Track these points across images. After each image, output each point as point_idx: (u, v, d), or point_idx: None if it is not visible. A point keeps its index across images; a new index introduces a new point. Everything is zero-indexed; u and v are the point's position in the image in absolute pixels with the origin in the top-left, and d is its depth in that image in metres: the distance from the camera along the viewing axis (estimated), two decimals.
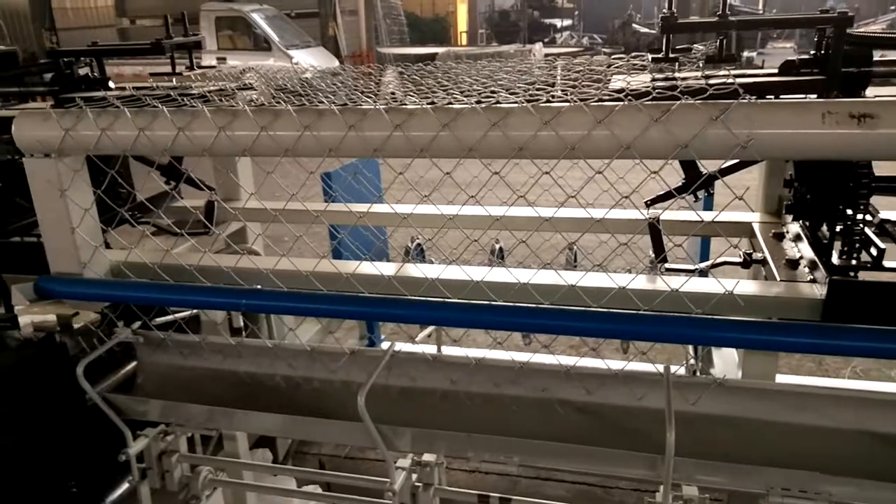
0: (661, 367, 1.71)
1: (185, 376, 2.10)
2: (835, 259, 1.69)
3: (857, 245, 1.66)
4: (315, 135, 1.67)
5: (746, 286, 1.74)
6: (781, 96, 1.66)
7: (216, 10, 15.63)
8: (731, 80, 1.55)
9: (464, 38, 24.16)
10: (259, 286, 1.91)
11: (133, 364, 2.13)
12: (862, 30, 1.77)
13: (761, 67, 2.02)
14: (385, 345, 3.19)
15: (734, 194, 1.55)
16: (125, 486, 2.02)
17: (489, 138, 1.55)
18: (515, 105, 1.56)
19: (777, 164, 2.25)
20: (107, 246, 2.19)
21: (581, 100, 1.53)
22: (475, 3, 25.50)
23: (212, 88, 2.21)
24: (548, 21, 28.34)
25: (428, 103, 1.65)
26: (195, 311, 2.29)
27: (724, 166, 1.70)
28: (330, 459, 3.53)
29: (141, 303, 2.03)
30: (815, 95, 1.64)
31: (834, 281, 1.62)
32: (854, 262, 1.66)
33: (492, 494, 1.85)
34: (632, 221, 2.23)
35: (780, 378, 1.99)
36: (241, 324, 2.53)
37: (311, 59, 13.32)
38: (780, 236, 2.12)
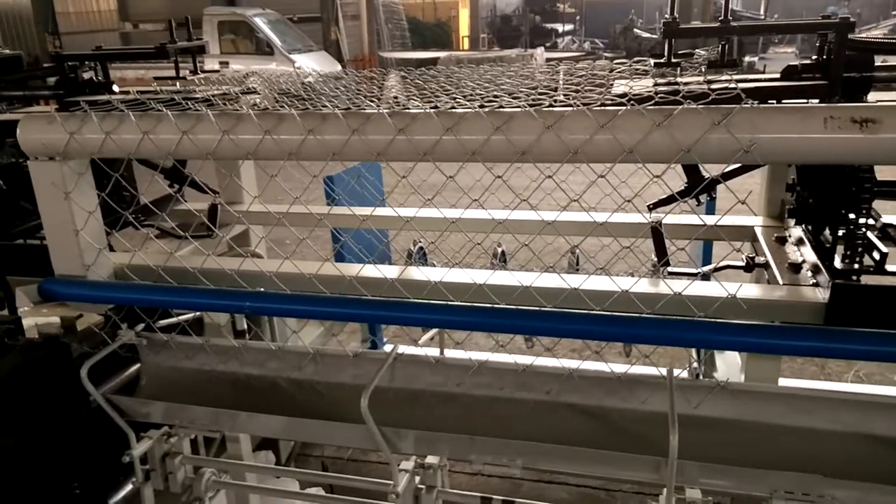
0: (664, 371, 1.72)
1: (188, 378, 2.10)
2: (837, 263, 1.69)
3: (860, 249, 1.67)
4: (318, 138, 1.68)
5: (749, 290, 1.75)
6: (784, 101, 1.66)
7: (219, 15, 15.69)
8: (733, 85, 1.56)
9: (465, 43, 24.18)
10: (262, 289, 1.91)
11: (136, 366, 2.14)
12: (863, 35, 1.77)
13: (762, 72, 2.03)
14: (387, 347, 3.20)
15: (737, 198, 1.55)
16: (128, 487, 2.03)
17: (492, 142, 1.55)
18: (518, 109, 1.57)
19: (779, 169, 2.25)
20: (110, 248, 2.20)
21: (584, 104, 1.54)
22: (477, 7, 25.52)
23: (215, 92, 2.22)
24: (549, 26, 28.42)
25: (431, 107, 1.66)
26: (198, 313, 2.30)
27: (726, 170, 1.71)
28: (332, 461, 3.53)
29: (144, 305, 2.04)
30: (817, 100, 1.65)
31: (837, 285, 1.62)
32: (857, 265, 1.67)
33: (494, 497, 1.85)
34: (634, 225, 2.23)
35: (783, 382, 1.99)
36: (245, 326, 2.54)
37: (313, 64, 13.36)
38: (782, 240, 2.12)
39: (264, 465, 2.71)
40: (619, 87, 1.75)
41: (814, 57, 1.73)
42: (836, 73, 1.63)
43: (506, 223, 1.93)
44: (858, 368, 4.31)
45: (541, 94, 1.75)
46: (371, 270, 1.97)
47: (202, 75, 2.63)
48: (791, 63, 1.77)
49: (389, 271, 2.00)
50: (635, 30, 23.80)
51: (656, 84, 1.75)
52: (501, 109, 1.59)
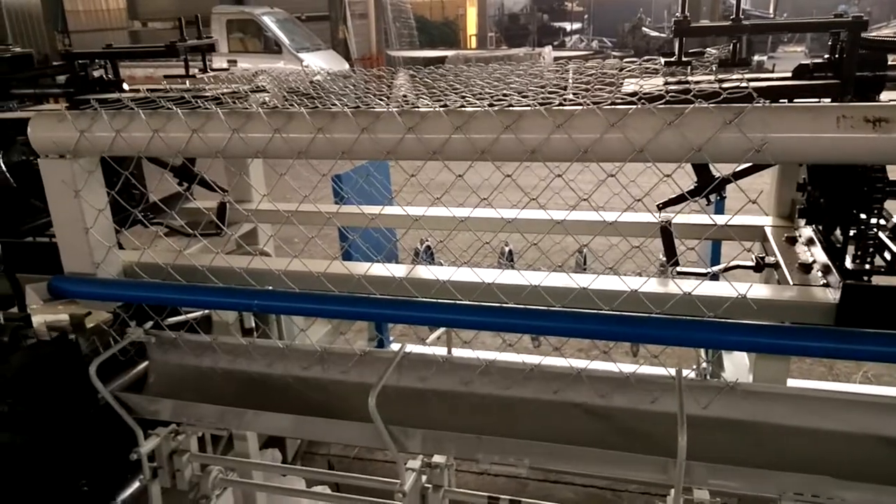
0: (672, 371, 1.71)
1: (196, 376, 2.11)
2: (848, 263, 1.68)
3: (871, 249, 1.65)
4: (328, 137, 1.68)
5: (759, 290, 1.74)
6: (795, 100, 1.65)
7: (227, 13, 15.72)
8: (744, 84, 1.55)
9: (473, 42, 24.16)
10: (270, 287, 1.92)
11: (145, 364, 2.15)
12: (874, 34, 1.76)
13: (772, 71, 2.02)
14: (395, 346, 3.20)
15: (748, 198, 1.54)
16: (136, 484, 2.03)
17: (502, 141, 1.55)
18: (528, 108, 1.57)
19: (790, 168, 2.24)
20: (120, 246, 2.21)
21: (594, 103, 1.53)
22: (485, 6, 25.49)
23: (225, 91, 2.22)
24: (557, 24, 28.36)
25: (440, 106, 1.66)
26: (207, 311, 2.30)
27: (737, 170, 1.70)
28: (339, 460, 3.54)
29: (153, 303, 2.04)
30: (828, 99, 1.64)
31: (847, 285, 1.61)
32: (868, 266, 1.65)
33: (502, 496, 1.85)
34: (643, 225, 2.22)
35: (791, 382, 1.98)
36: (253, 324, 2.54)
37: (321, 62, 13.38)
38: (792, 240, 2.11)
39: (271, 464, 2.71)
40: (630, 85, 1.74)
41: (826, 56, 1.72)
42: (848, 72, 1.62)
43: (514, 222, 1.93)
44: (867, 369, 4.29)
45: (550, 92, 1.74)
46: (379, 269, 1.97)
47: (212, 74, 2.63)
48: (802, 62, 1.76)
49: (397, 270, 1.99)
50: (644, 28, 23.72)
51: (667, 83, 1.74)
52: (511, 108, 1.58)
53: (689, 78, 1.80)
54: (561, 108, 1.55)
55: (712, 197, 1.92)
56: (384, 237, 2.63)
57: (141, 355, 2.14)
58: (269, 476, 2.54)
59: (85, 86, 2.37)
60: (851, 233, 1.68)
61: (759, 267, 2.08)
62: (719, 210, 2.53)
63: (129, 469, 2.00)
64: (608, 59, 2.29)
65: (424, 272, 1.94)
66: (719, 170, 1.74)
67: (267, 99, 2.16)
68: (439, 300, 1.76)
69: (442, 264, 2.39)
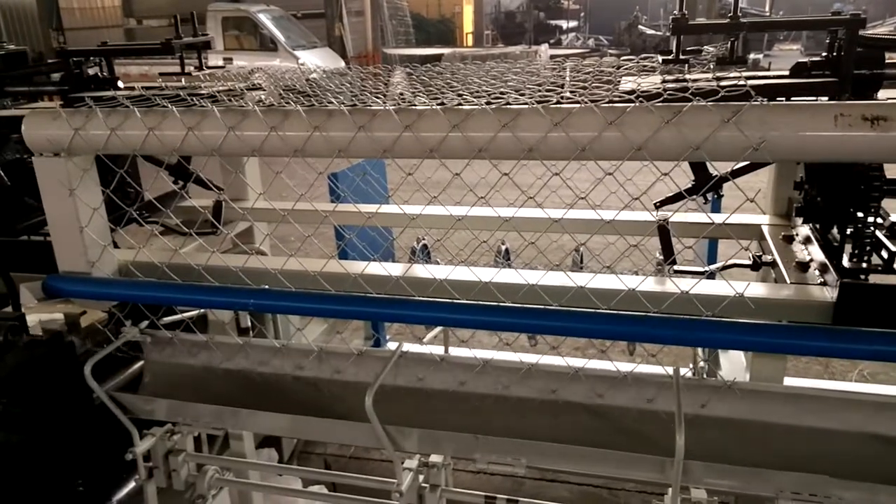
0: (670, 370, 1.71)
1: (192, 376, 2.10)
2: (845, 262, 1.68)
3: (868, 248, 1.65)
4: (324, 135, 1.67)
5: (756, 289, 1.74)
6: (793, 98, 1.65)
7: (223, 11, 15.66)
8: (742, 82, 1.54)
9: (469, 40, 24.13)
10: (266, 286, 1.91)
11: (140, 363, 2.14)
12: (870, 32, 1.75)
13: (768, 69, 2.01)
14: (391, 345, 3.19)
15: (746, 196, 1.54)
16: (132, 484, 2.03)
17: (499, 139, 1.54)
18: (526, 106, 1.56)
19: (787, 167, 2.24)
20: (115, 245, 2.20)
21: (592, 101, 1.53)
22: (481, 4, 25.45)
23: (221, 88, 2.21)
24: (553, 22, 28.36)
25: (437, 104, 1.65)
26: (202, 310, 2.29)
27: (734, 168, 1.70)
28: (335, 459, 3.53)
29: (149, 302, 2.03)
30: (826, 98, 1.63)
31: (845, 284, 1.61)
32: (865, 265, 1.65)
33: (498, 496, 1.84)
34: (640, 223, 2.22)
35: (788, 381, 1.98)
36: (249, 323, 2.53)
37: (316, 60, 13.35)
38: (789, 239, 2.11)
39: (267, 463, 2.70)
40: (627, 83, 1.74)
41: (823, 54, 1.71)
42: (846, 71, 1.61)
43: (512, 221, 1.92)
44: (863, 368, 4.30)
45: (548, 90, 1.73)
46: (375, 268, 1.96)
47: (207, 71, 2.61)
48: (800, 60, 1.75)
49: (394, 269, 1.99)
50: (640, 27, 23.73)
51: (664, 81, 1.74)
52: (509, 106, 1.58)
53: (687, 76, 1.80)
54: (559, 106, 1.54)
55: (709, 195, 1.92)
56: (380, 236, 2.62)
57: (136, 355, 2.13)
58: (265, 476, 2.53)
59: (80, 83, 2.35)
60: (848, 231, 1.68)
61: (757, 265, 2.08)
62: (715, 209, 2.53)
63: (124, 469, 1.99)
64: (605, 57, 2.28)
65: (421, 271, 1.93)
66: (717, 168, 1.74)
67: (263, 97, 2.15)
68: (436, 299, 1.75)
69: (438, 263, 2.38)
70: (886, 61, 1.64)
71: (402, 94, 2.03)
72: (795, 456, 1.63)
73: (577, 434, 1.75)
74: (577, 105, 1.52)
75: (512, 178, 1.68)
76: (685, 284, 1.68)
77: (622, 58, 2.22)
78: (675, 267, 2.04)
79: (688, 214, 2.27)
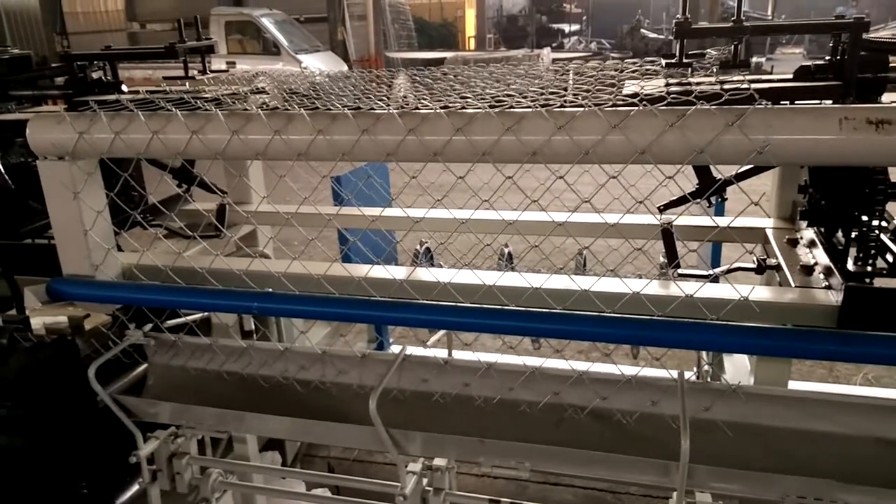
0: (674, 373, 1.70)
1: (195, 379, 2.10)
2: (850, 265, 1.68)
3: (873, 251, 1.65)
4: (328, 139, 1.67)
5: (761, 292, 1.73)
6: (797, 102, 1.65)
7: (226, 15, 15.73)
8: (746, 86, 1.54)
9: (472, 43, 24.15)
10: (270, 289, 1.91)
11: (144, 366, 2.14)
12: (873, 35, 1.75)
13: (770, 73, 2.01)
14: (395, 348, 3.19)
15: (750, 200, 1.54)
16: (135, 487, 2.03)
17: (503, 143, 1.54)
18: (529, 109, 1.56)
19: (791, 170, 2.24)
20: (119, 248, 2.20)
21: (595, 104, 1.53)
22: (483, 8, 25.47)
23: (224, 92, 2.22)
24: (556, 26, 28.38)
25: (441, 107, 1.65)
26: (206, 313, 2.30)
27: (738, 172, 1.69)
28: (339, 462, 3.53)
29: (152, 305, 2.04)
30: (830, 101, 1.63)
31: (850, 287, 1.61)
32: (870, 268, 1.65)
33: (503, 500, 1.84)
34: (644, 227, 2.22)
35: (792, 384, 1.98)
36: (252, 327, 2.53)
37: (319, 64, 13.38)
38: (794, 242, 2.10)
39: (271, 466, 2.70)
40: (630, 87, 1.74)
41: (827, 57, 1.71)
42: (850, 74, 1.61)
43: (515, 224, 1.92)
44: (867, 371, 4.28)
45: (551, 94, 1.74)
46: (379, 271, 1.96)
47: (211, 75, 2.62)
48: (804, 63, 1.75)
49: (397, 272, 1.99)
50: (642, 30, 23.74)
51: (668, 84, 1.74)
52: (512, 110, 1.58)
53: (691, 79, 1.80)
54: (562, 109, 1.54)
55: (713, 199, 1.91)
56: (384, 239, 2.62)
57: (140, 358, 2.13)
58: (268, 479, 2.53)
59: (84, 87, 2.36)
60: (853, 235, 1.68)
61: (761, 269, 2.08)
62: (719, 212, 2.52)
63: (128, 472, 1.99)
64: (608, 61, 2.28)
65: (425, 274, 1.93)
66: (721, 171, 1.73)
67: (266, 100, 2.15)
68: (440, 302, 1.75)
69: (442, 266, 2.38)
70: (890, 65, 1.64)
71: (405, 97, 2.04)
72: (800, 460, 1.63)
73: (580, 437, 1.75)
74: (581, 108, 1.52)
75: (516, 181, 1.68)
76: (689, 288, 1.67)
77: (625, 61, 2.22)
78: (679, 270, 2.04)
79: (692, 218, 2.27)
